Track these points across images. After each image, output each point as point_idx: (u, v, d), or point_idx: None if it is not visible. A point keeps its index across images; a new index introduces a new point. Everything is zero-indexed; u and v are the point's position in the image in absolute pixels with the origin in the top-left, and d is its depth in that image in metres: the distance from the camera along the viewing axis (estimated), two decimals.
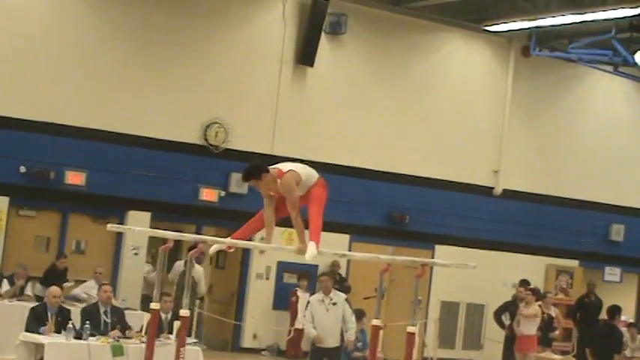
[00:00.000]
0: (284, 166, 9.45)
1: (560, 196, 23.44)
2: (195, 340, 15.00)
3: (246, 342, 19.89)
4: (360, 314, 15.77)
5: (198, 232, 18.81)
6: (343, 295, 14.58)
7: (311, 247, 9.22)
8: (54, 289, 13.98)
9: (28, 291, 16.94)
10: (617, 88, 24.06)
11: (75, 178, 18.26)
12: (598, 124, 24.17)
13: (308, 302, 14.80)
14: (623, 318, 22.72)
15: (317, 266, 19.51)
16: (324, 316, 14.08)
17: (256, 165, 9.40)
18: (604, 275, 24.26)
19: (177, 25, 19.22)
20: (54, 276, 17.19)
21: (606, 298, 23.35)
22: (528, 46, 22.11)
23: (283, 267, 20.12)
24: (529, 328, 17.81)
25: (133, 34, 18.87)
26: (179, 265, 18.74)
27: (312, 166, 9.76)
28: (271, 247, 9.89)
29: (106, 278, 17.67)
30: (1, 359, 14.97)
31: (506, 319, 18.79)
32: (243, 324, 19.84)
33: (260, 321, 20.04)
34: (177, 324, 10.26)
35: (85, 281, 17.66)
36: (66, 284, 17.02)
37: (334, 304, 14.07)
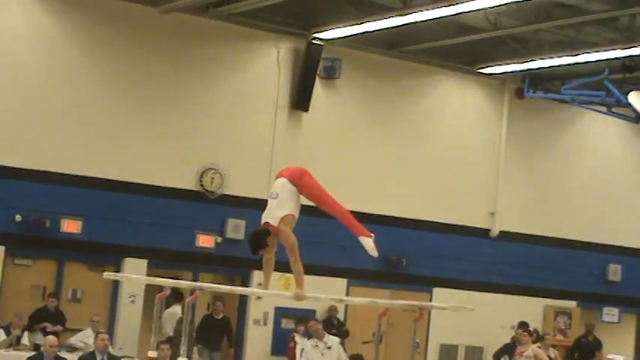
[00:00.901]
0: (273, 217, 9.39)
1: (556, 237, 23.44)
2: None
3: None
4: (358, 359, 15.71)
5: (195, 279, 18.76)
6: (337, 339, 14.56)
7: (367, 243, 9.43)
8: (51, 339, 13.95)
9: (25, 340, 16.87)
10: (610, 128, 24.14)
11: (71, 226, 18.22)
12: (593, 164, 24.23)
13: (302, 349, 14.75)
14: (622, 358, 22.70)
15: (315, 311, 19.47)
16: None
17: (258, 234, 9.40)
18: (602, 316, 24.19)
19: (173, 71, 19.28)
20: (44, 317, 17.18)
21: (605, 338, 23.33)
22: (522, 88, 22.23)
23: (281, 312, 20.05)
24: None
25: (128, 81, 18.92)
26: (170, 313, 18.55)
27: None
28: (268, 294, 9.86)
29: (103, 326, 17.62)
30: None
31: None
32: None
33: None
34: None
35: (81, 330, 17.58)
36: (58, 327, 17.05)
37: (329, 347, 14.05)
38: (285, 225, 9.34)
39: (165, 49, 19.25)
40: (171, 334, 17.91)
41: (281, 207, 9.40)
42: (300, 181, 9.63)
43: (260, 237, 9.31)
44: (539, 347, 19.63)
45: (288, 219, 9.36)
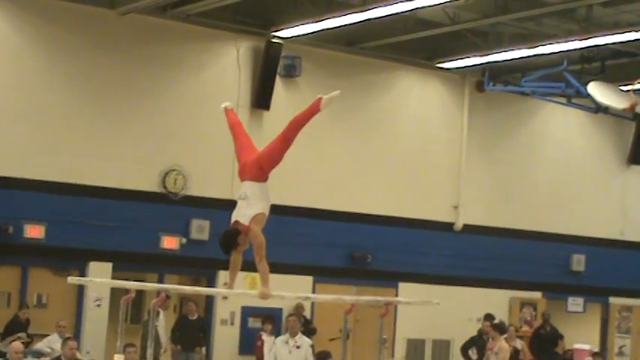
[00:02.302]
0: (244, 217, 9.38)
1: (520, 228, 23.57)
2: None
3: None
4: (326, 356, 15.69)
5: (160, 281, 18.71)
6: (309, 341, 14.55)
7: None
8: (16, 345, 13.82)
9: None
10: (571, 119, 24.30)
11: (34, 231, 18.10)
12: (554, 155, 24.38)
13: (273, 342, 14.77)
14: (587, 347, 22.87)
15: (281, 309, 19.46)
16: (285, 358, 14.04)
17: (229, 235, 9.39)
18: (567, 306, 24.37)
19: (133, 73, 19.20)
20: (17, 328, 17.05)
21: (570, 328, 23.51)
22: (482, 81, 22.31)
23: (248, 312, 20.03)
24: None
25: (88, 84, 18.82)
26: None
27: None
28: (234, 293, 9.84)
29: (69, 331, 17.53)
30: None
31: (472, 353, 18.82)
32: None
33: None
34: None
35: (47, 335, 17.48)
36: (22, 334, 16.95)
37: (298, 347, 14.04)
38: (256, 224, 9.34)
39: (125, 51, 19.16)
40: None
41: (251, 206, 9.43)
42: (261, 170, 9.66)
43: (231, 237, 9.31)
44: (505, 339, 19.76)
45: (259, 217, 9.38)
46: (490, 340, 17.97)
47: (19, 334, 17.03)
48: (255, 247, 9.26)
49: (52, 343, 16.99)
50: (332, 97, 9.61)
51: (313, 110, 9.78)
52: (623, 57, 20.85)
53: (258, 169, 9.68)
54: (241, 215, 9.32)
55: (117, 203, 18.90)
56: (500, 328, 18.42)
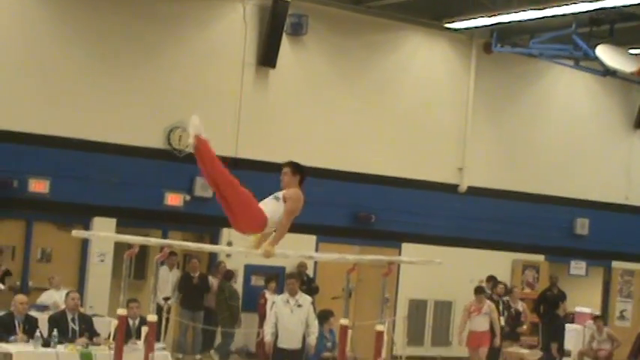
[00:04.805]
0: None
1: (524, 191, 23.56)
2: (163, 345, 14.94)
3: (216, 345, 19.79)
4: (328, 314, 15.78)
5: (164, 237, 18.75)
6: (309, 299, 14.59)
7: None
8: (20, 297, 13.89)
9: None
10: (578, 82, 24.22)
11: (38, 186, 18.13)
12: (561, 118, 24.32)
13: (273, 302, 14.80)
14: (589, 311, 22.96)
15: (284, 268, 19.50)
16: (287, 317, 14.09)
17: (301, 165, 9.58)
18: (570, 269, 24.41)
19: (138, 30, 19.15)
20: None
21: (572, 291, 23.56)
22: (490, 42, 22.19)
23: (251, 270, 20.08)
24: (480, 324, 18.09)
25: (93, 40, 18.77)
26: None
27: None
28: (236, 251, 9.84)
29: (73, 286, 17.60)
30: None
31: None
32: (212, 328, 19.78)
33: None
34: (145, 329, 10.20)
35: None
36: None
37: (299, 306, 14.08)
38: (301, 197, 9.64)
39: (132, 7, 19.09)
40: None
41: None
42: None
43: (302, 166, 9.73)
44: (507, 300, 19.95)
45: (301, 197, 9.67)
46: (474, 302, 18.28)
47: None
48: (288, 207, 9.41)
49: (51, 296, 17.08)
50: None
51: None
52: (633, 20, 20.69)
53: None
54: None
55: (121, 159, 18.91)
56: (482, 290, 18.87)
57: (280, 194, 9.49)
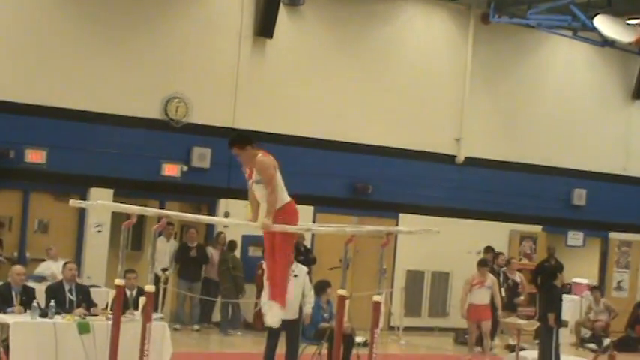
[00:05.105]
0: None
1: (521, 162, 23.54)
2: (160, 316, 14.96)
3: (214, 316, 19.84)
4: (325, 285, 15.78)
5: (161, 208, 18.73)
6: (305, 268, 14.61)
7: (274, 309, 9.53)
8: (18, 268, 13.88)
9: None
10: (576, 52, 24.15)
11: (35, 156, 18.12)
12: (558, 89, 24.27)
13: None
14: (586, 281, 22.99)
15: None
16: None
17: (242, 134, 9.41)
18: (567, 240, 24.44)
19: (135, 0, 19.07)
20: None
21: (569, 262, 23.59)
22: (487, 12, 22.12)
23: (248, 240, 20.06)
24: (482, 297, 18.09)
25: (91, 11, 18.70)
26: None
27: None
28: (234, 223, 9.86)
29: (70, 256, 17.61)
30: None
31: None
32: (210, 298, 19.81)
33: None
34: (142, 300, 10.20)
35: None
36: None
37: (295, 276, 14.09)
38: (269, 161, 9.40)
39: None
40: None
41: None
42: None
43: (243, 137, 9.40)
44: (504, 271, 19.97)
45: (271, 161, 9.48)
46: (476, 275, 18.24)
47: None
48: (265, 180, 9.26)
49: (49, 267, 17.09)
50: None
51: None
52: None
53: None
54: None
55: (118, 130, 18.89)
56: (486, 263, 18.83)
57: (258, 177, 9.49)
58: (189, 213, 16.87)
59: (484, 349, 18.25)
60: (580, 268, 24.59)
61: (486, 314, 18.12)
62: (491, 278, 18.40)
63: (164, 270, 18.80)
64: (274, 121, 19.96)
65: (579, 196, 24.38)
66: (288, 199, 9.73)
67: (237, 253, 19.95)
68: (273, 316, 9.71)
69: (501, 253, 20.80)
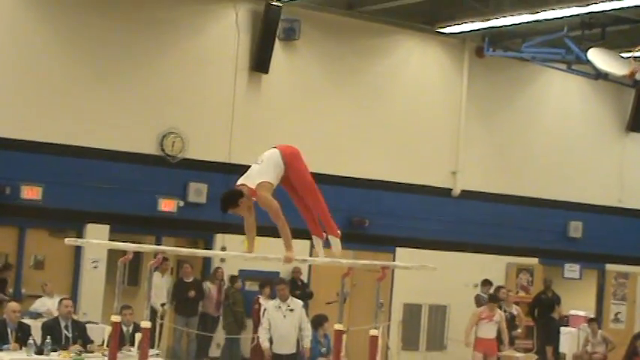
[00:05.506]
0: (252, 181, 9.28)
1: (518, 194, 23.56)
2: (157, 352, 14.90)
3: (211, 351, 19.78)
4: (322, 319, 15.77)
5: (157, 243, 18.74)
6: (300, 302, 14.61)
7: (335, 243, 9.53)
8: (13, 305, 13.84)
9: None
10: (571, 85, 24.24)
11: (31, 192, 18.08)
12: (553, 121, 24.34)
13: (264, 309, 14.80)
14: (583, 314, 22.95)
15: (278, 273, 19.48)
16: (280, 323, 14.08)
17: (230, 193, 9.28)
18: (564, 272, 24.40)
19: (132, 35, 19.13)
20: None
21: (566, 294, 23.55)
22: (482, 46, 22.22)
23: (245, 275, 20.03)
24: (489, 332, 18.05)
25: (86, 46, 18.74)
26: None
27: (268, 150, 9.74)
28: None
29: (67, 292, 17.56)
30: None
31: None
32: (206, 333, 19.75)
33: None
34: (138, 336, 10.17)
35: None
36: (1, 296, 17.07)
37: (291, 310, 14.08)
38: (263, 191, 9.20)
39: (124, 13, 19.07)
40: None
41: (262, 174, 9.26)
42: (292, 159, 9.45)
43: (231, 196, 9.19)
44: (501, 304, 19.96)
45: (265, 185, 9.23)
46: (485, 309, 18.18)
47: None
48: (271, 215, 9.18)
49: (44, 303, 17.04)
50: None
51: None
52: (624, 23, 20.74)
53: (291, 156, 9.52)
54: (250, 180, 9.18)
55: (115, 165, 18.88)
56: (497, 298, 18.77)
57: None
58: (186, 248, 16.86)
59: None
60: (577, 301, 24.55)
61: (493, 349, 18.11)
62: (499, 314, 18.39)
63: (163, 305, 18.75)
64: None
65: (575, 228, 24.39)
66: (282, 164, 9.57)
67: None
68: (338, 249, 9.91)
69: (502, 287, 20.77)
